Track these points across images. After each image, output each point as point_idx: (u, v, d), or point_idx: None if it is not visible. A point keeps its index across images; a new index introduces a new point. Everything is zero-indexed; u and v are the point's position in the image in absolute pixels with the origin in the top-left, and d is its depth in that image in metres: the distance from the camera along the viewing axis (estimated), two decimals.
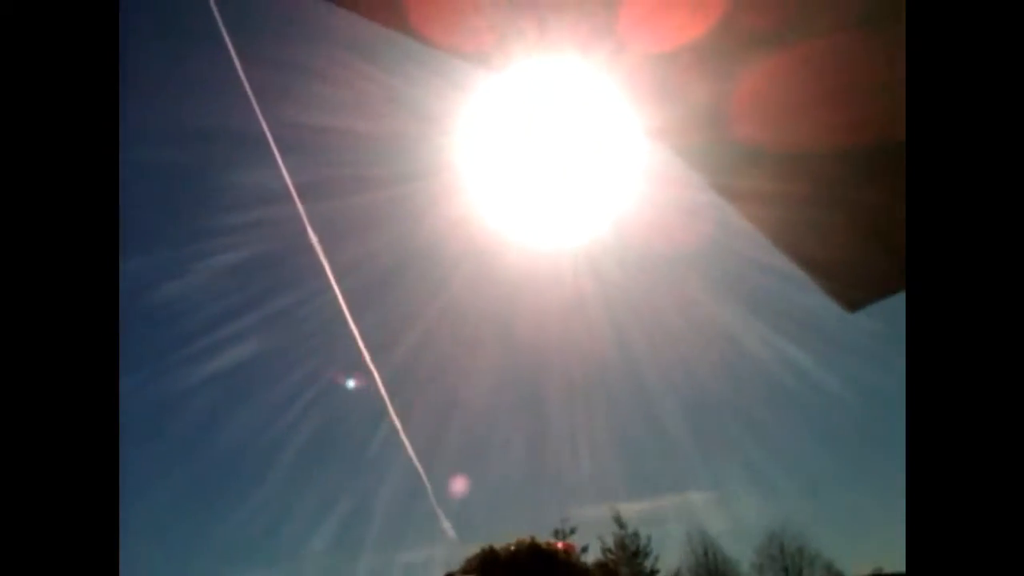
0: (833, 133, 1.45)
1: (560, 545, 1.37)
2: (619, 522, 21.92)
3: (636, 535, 22.12)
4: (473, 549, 1.34)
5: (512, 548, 1.33)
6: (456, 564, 1.32)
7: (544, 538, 1.37)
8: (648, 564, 21.73)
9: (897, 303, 1.33)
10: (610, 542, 21.72)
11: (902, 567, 1.55)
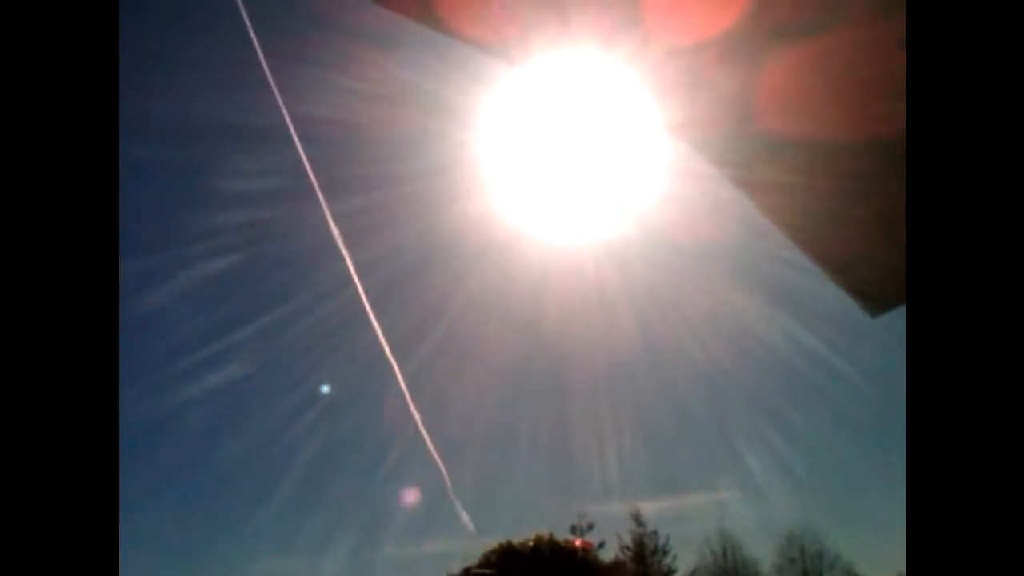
0: (859, 127, 1.43)
1: (577, 543, 1.37)
2: (637, 520, 21.84)
3: (655, 533, 22.04)
4: (492, 543, 1.34)
5: (530, 543, 1.33)
6: (474, 558, 1.33)
7: (561, 534, 1.37)
8: (666, 563, 21.64)
9: None
10: (628, 539, 21.67)
11: None
